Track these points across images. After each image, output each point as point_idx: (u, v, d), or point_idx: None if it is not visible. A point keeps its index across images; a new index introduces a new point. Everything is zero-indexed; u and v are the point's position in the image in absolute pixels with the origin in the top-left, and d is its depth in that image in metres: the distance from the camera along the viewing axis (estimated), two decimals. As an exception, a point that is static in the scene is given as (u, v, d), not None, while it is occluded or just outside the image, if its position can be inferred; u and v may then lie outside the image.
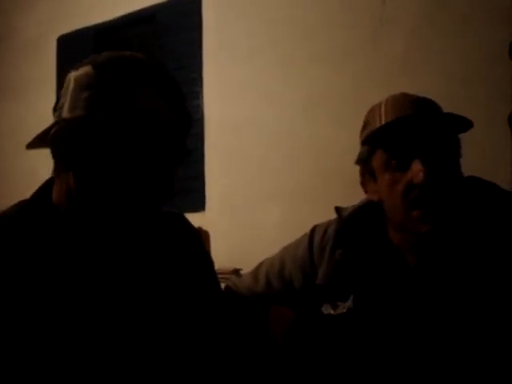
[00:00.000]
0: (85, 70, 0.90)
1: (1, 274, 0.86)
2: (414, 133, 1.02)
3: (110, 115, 0.86)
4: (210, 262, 1.13)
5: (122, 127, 0.87)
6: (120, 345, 0.91)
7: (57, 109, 0.92)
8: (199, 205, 3.25)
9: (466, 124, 1.03)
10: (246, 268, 1.37)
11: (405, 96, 1.08)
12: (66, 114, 0.89)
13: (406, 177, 1.03)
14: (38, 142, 0.94)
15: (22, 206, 0.96)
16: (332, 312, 1.12)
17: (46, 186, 0.98)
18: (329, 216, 1.26)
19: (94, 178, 0.88)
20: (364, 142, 1.10)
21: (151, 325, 0.94)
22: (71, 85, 0.90)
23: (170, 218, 1.09)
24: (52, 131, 0.89)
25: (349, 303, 1.11)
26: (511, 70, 2.22)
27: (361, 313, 1.09)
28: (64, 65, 3.97)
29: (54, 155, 0.92)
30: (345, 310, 1.11)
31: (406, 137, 1.02)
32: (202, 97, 3.36)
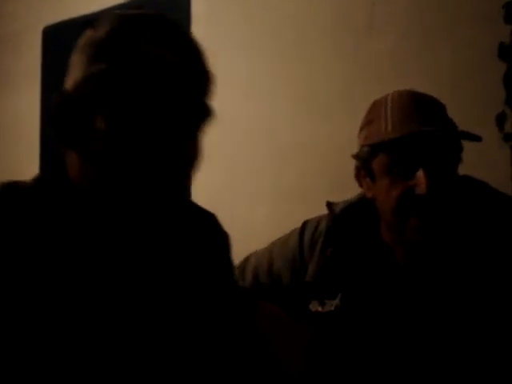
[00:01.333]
0: (84, 33, 0.79)
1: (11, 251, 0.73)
2: (421, 146, 1.01)
3: (102, 73, 0.73)
4: (232, 267, 1.04)
5: (123, 79, 0.72)
6: (125, 334, 0.80)
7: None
8: (185, 201, 3.23)
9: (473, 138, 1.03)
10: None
11: (410, 98, 1.06)
12: (66, 83, 0.77)
13: (406, 184, 1.02)
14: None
15: (37, 180, 0.83)
16: (320, 309, 1.11)
17: (60, 159, 0.84)
18: (314, 214, 1.25)
19: (99, 154, 0.75)
20: (366, 144, 1.08)
21: (156, 318, 0.83)
22: (73, 53, 0.79)
23: (200, 213, 0.99)
24: (53, 104, 0.77)
25: (336, 301, 1.10)
26: (501, 70, 2.22)
27: (348, 311, 1.09)
28: (49, 57, 3.92)
29: (54, 130, 0.78)
30: (332, 308, 1.10)
31: (412, 149, 1.01)
32: (190, 92, 3.34)
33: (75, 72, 0.76)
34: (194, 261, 0.90)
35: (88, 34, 0.78)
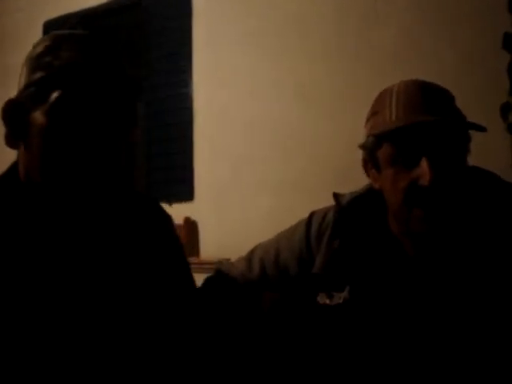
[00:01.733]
0: (29, 52, 0.97)
1: None
2: (424, 136, 1.00)
3: (39, 80, 0.90)
4: (179, 247, 1.13)
5: (52, 84, 0.89)
6: (76, 322, 0.91)
7: None
8: (187, 194, 3.23)
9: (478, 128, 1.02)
10: (234, 258, 1.35)
11: (417, 88, 1.05)
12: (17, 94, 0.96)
13: (410, 175, 1.01)
14: None
15: None
16: (328, 302, 1.11)
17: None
18: (317, 207, 1.25)
19: (39, 144, 0.91)
20: (371, 134, 1.07)
21: (110, 302, 0.95)
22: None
23: (140, 199, 1.09)
24: (1, 109, 0.94)
25: (345, 294, 1.09)
26: (505, 61, 2.21)
27: (357, 304, 1.08)
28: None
29: (7, 130, 0.95)
30: (341, 301, 1.09)
31: (415, 138, 1.01)
32: (192, 85, 3.32)
33: (20, 83, 0.94)
34: (138, 243, 1.02)
35: (30, 51, 0.95)
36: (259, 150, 3.07)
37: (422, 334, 1.03)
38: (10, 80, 4.74)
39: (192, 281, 1.13)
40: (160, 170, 3.38)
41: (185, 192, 3.23)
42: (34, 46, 0.95)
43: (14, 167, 0.98)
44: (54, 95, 0.88)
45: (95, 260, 0.96)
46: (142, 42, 3.48)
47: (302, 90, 2.94)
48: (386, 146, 1.04)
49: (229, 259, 1.96)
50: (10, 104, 0.93)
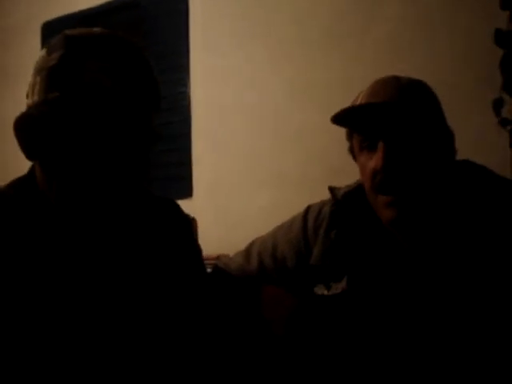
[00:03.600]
0: (41, 53, 0.90)
1: None
2: (380, 119, 1.02)
3: (58, 96, 0.85)
4: (198, 251, 1.12)
5: (72, 106, 0.85)
6: (108, 329, 0.90)
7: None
8: (186, 191, 3.25)
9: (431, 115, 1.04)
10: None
11: (384, 80, 1.08)
12: (27, 101, 0.90)
13: (373, 160, 1.04)
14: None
15: (9, 187, 0.96)
16: (325, 292, 1.12)
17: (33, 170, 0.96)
18: (313, 201, 1.26)
19: (57, 165, 0.88)
20: (333, 121, 1.08)
21: (137, 310, 0.94)
22: (32, 71, 0.90)
23: (161, 203, 1.07)
24: (14, 121, 0.88)
25: (343, 284, 1.10)
26: (497, 56, 2.23)
27: (355, 294, 1.09)
28: (48, 51, 3.92)
29: (19, 144, 0.90)
30: (338, 291, 1.10)
31: (372, 122, 1.03)
32: (189, 83, 3.34)
33: (34, 94, 0.88)
34: (159, 248, 1.00)
35: (43, 56, 0.88)
36: (257, 146, 3.09)
37: (418, 322, 1.04)
38: (8, 80, 4.75)
39: (207, 285, 1.12)
40: (159, 167, 3.39)
41: (184, 189, 3.24)
42: (48, 53, 0.87)
43: (33, 171, 0.95)
44: (72, 118, 0.85)
45: (112, 263, 0.94)
46: (140, 41, 3.50)
47: (299, 85, 2.95)
48: (355, 136, 1.08)
49: (228, 255, 1.97)
50: (24, 119, 0.87)
